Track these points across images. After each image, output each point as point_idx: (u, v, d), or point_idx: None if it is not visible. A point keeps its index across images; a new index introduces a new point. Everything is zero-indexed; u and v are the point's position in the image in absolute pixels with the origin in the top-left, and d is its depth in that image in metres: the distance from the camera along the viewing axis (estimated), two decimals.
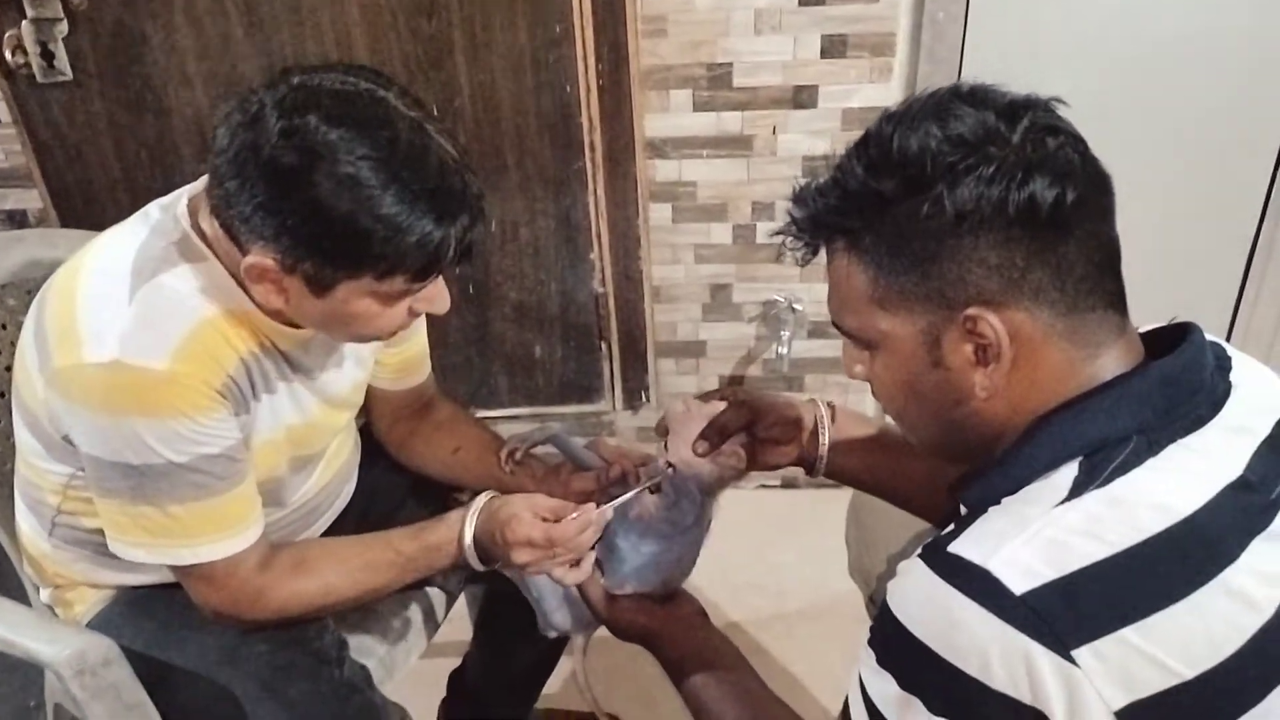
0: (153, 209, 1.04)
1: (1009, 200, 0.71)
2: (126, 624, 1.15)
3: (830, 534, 1.39)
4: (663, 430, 1.14)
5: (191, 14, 1.73)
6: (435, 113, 1.75)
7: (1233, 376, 0.79)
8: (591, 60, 1.76)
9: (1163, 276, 1.88)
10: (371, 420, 1.37)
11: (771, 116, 1.86)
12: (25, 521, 1.19)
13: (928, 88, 0.79)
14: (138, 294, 0.97)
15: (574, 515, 1.04)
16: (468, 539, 1.09)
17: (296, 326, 1.05)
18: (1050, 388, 0.76)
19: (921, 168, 0.73)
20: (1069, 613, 0.66)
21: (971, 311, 0.74)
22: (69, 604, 1.20)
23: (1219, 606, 0.67)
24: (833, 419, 1.12)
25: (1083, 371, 0.75)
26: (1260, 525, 0.71)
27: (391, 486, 1.38)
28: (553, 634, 1.20)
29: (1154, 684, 0.66)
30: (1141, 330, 0.82)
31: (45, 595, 1.23)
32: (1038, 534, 0.69)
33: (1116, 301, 0.77)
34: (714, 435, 1.09)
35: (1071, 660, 0.65)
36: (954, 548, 0.71)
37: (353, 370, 1.21)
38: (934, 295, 0.75)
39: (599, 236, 1.95)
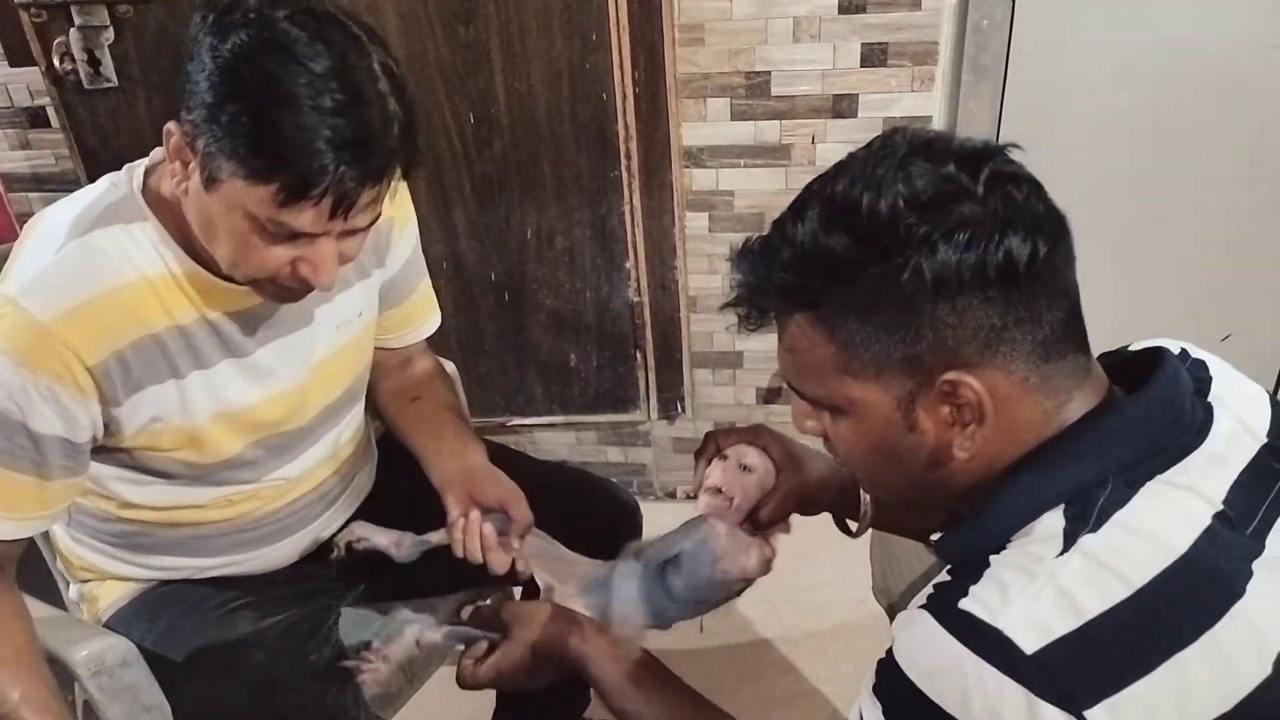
0: (126, 167, 1.05)
1: (987, 262, 0.68)
2: (140, 621, 1.16)
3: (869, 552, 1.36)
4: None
5: None
6: (473, 121, 1.81)
7: (1211, 397, 0.76)
8: (628, 68, 1.76)
9: (1217, 298, 1.83)
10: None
11: (810, 126, 1.83)
12: None
13: (871, 142, 0.75)
14: (66, 246, 0.98)
15: None
16: None
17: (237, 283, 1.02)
18: (1023, 439, 0.73)
19: (893, 233, 0.69)
20: (1082, 670, 0.64)
21: (951, 376, 0.71)
22: (94, 599, 1.21)
23: (1239, 642, 0.65)
24: None
25: (1054, 419, 0.73)
26: (1256, 553, 0.68)
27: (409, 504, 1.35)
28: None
29: None
30: (1105, 352, 0.79)
31: (74, 591, 1.25)
32: (1045, 587, 0.66)
33: (1082, 343, 0.75)
34: (762, 527, 1.06)
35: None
36: (964, 604, 0.68)
37: (328, 335, 1.16)
38: (910, 361, 0.72)
39: (635, 245, 1.94)
